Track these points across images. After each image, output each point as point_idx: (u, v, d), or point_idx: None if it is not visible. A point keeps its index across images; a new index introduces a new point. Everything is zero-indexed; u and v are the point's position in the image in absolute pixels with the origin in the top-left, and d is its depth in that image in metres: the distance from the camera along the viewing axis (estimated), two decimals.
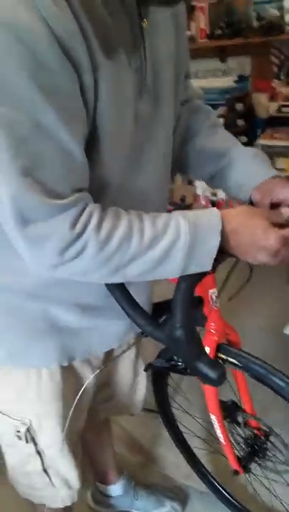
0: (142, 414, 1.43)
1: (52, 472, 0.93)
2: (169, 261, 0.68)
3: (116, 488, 1.39)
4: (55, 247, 0.62)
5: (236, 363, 0.97)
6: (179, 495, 1.47)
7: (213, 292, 0.94)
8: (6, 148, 0.56)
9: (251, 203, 0.84)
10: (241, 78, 3.03)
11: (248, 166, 0.85)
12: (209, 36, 2.81)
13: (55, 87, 0.56)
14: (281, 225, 0.73)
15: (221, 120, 3.01)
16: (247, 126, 2.94)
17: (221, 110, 3.09)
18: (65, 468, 0.94)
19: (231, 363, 0.99)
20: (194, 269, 0.71)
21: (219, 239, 0.69)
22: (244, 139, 2.96)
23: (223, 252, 0.72)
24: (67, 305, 0.81)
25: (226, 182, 0.89)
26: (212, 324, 0.97)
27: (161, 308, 0.95)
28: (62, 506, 1.00)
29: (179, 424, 1.41)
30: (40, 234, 0.61)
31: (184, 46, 0.85)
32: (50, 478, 0.93)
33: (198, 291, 0.95)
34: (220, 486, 1.39)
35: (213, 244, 0.69)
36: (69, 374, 0.89)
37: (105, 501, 1.42)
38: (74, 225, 0.61)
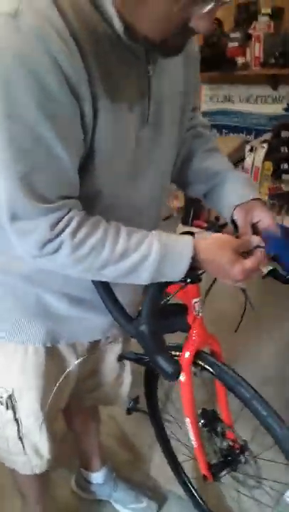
0: (139, 415, 1.52)
1: (26, 441, 1.03)
2: (138, 273, 0.78)
3: (97, 476, 1.48)
4: (36, 242, 0.73)
5: (211, 370, 1.05)
6: (158, 496, 1.53)
7: (196, 301, 1.02)
8: (8, 156, 0.67)
9: (233, 221, 0.92)
10: None
11: (232, 188, 0.93)
12: (262, 64, 2.88)
13: (57, 114, 0.66)
14: (249, 252, 0.83)
15: (265, 145, 3.06)
16: None
17: (267, 136, 3.14)
18: (39, 440, 1.04)
19: (207, 370, 1.06)
20: (165, 280, 0.82)
21: (188, 264, 0.79)
22: (286, 165, 2.99)
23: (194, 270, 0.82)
24: (58, 294, 0.92)
25: (214, 201, 0.98)
26: (194, 331, 1.05)
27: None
28: (31, 473, 1.10)
29: (166, 428, 1.48)
30: (24, 229, 0.73)
31: (193, 83, 0.94)
32: (23, 447, 1.04)
33: (183, 300, 1.04)
34: (196, 492, 1.44)
35: (182, 268, 0.79)
36: (53, 355, 0.99)
37: (86, 487, 1.51)
38: (54, 226, 0.72)
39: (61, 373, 1.01)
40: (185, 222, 3.37)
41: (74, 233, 0.73)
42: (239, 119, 3.44)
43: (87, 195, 0.78)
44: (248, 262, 0.80)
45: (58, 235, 0.73)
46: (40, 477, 1.17)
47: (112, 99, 0.72)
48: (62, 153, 0.69)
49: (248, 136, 3.42)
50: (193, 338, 1.05)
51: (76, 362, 1.02)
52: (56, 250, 0.74)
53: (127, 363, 1.20)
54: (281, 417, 0.92)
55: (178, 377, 0.82)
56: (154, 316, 0.82)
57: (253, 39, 2.86)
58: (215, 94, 3.47)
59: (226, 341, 2.21)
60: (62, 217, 0.73)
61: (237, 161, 3.33)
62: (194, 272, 0.86)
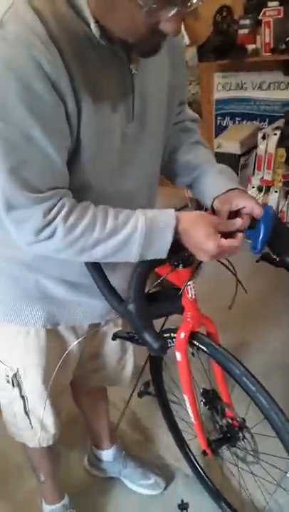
0: (150, 398, 1.59)
1: (32, 416, 1.12)
2: (127, 248, 0.84)
3: (107, 454, 1.56)
4: (32, 229, 0.79)
5: (205, 349, 1.10)
6: (166, 473, 1.60)
7: (189, 285, 1.06)
8: (0, 152, 0.73)
9: (213, 210, 0.96)
10: None
11: (212, 179, 0.98)
12: (273, 50, 2.86)
13: (43, 110, 0.72)
14: (231, 234, 0.86)
15: (278, 132, 3.05)
16: None
17: (280, 122, 3.12)
18: (44, 415, 1.12)
19: (201, 349, 1.11)
20: (151, 257, 0.86)
21: (172, 234, 0.83)
22: None
23: (182, 246, 0.86)
24: (56, 279, 0.98)
25: (197, 191, 1.02)
26: (188, 313, 1.10)
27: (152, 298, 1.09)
28: (38, 446, 1.19)
29: (172, 409, 1.54)
30: (20, 218, 0.79)
31: (181, 77, 0.99)
32: (30, 421, 1.12)
33: (177, 283, 1.09)
34: (201, 469, 1.50)
35: (167, 238, 0.84)
36: (54, 337, 1.06)
37: (98, 464, 1.59)
38: (47, 213, 0.78)
39: (62, 353, 1.08)
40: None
41: (66, 218, 0.80)
42: (252, 107, 3.42)
43: (77, 187, 0.84)
44: (224, 240, 0.84)
45: (51, 221, 0.79)
46: (48, 451, 1.25)
47: (95, 97, 0.77)
48: (50, 149, 0.75)
49: (262, 123, 3.41)
50: (188, 319, 1.10)
51: (76, 342, 1.08)
52: (51, 235, 0.80)
53: (130, 346, 1.26)
54: (269, 393, 0.97)
55: (163, 351, 0.87)
56: (141, 296, 0.87)
57: (263, 25, 2.84)
58: (227, 82, 3.47)
59: (235, 327, 2.26)
60: (55, 205, 0.79)
61: (251, 148, 3.33)
62: (181, 254, 0.90)
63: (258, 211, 0.91)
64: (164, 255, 0.85)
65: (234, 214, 0.92)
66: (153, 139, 0.94)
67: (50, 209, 0.79)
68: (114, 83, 0.81)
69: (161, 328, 1.22)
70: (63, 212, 0.79)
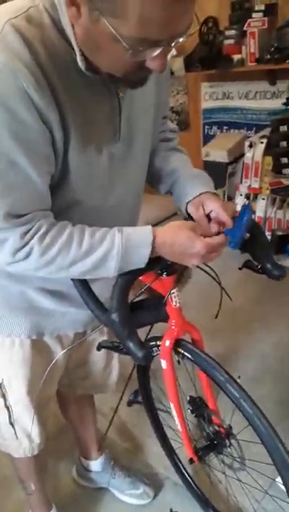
0: (139, 407, 1.59)
1: (17, 426, 1.11)
2: (105, 266, 0.85)
3: (96, 464, 1.55)
4: (9, 250, 0.80)
5: (190, 357, 1.10)
6: (155, 482, 1.59)
7: (173, 293, 1.07)
8: None
9: (189, 215, 0.97)
10: None
11: (185, 185, 0.99)
12: (258, 60, 2.91)
13: (29, 139, 0.72)
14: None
15: (264, 141, 3.09)
16: None
17: (266, 131, 3.17)
18: (29, 425, 1.12)
19: (186, 356, 1.12)
20: (131, 268, 0.87)
21: (149, 249, 0.85)
22: (285, 160, 3.01)
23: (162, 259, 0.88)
24: (41, 290, 0.99)
25: (175, 199, 1.04)
26: (173, 321, 1.11)
27: (137, 306, 1.09)
28: (23, 456, 1.18)
29: (160, 417, 1.54)
30: None
31: (165, 96, 1.01)
32: (15, 431, 1.12)
33: (161, 291, 1.09)
34: (190, 477, 1.50)
35: (144, 253, 0.85)
36: (39, 347, 1.06)
37: (86, 475, 1.58)
38: (24, 235, 0.79)
39: (48, 362, 1.08)
40: (189, 219, 3.43)
41: (42, 238, 0.80)
42: (239, 115, 3.47)
43: (65, 205, 0.86)
44: (210, 238, 0.85)
45: (27, 243, 0.80)
46: (36, 462, 1.25)
47: (82, 122, 0.78)
48: (34, 175, 0.76)
49: (249, 132, 3.45)
50: (173, 327, 1.11)
51: (61, 353, 1.08)
52: (27, 256, 0.81)
53: (116, 354, 1.27)
54: (252, 399, 0.97)
55: (147, 360, 0.88)
56: (124, 305, 0.88)
57: (248, 36, 2.89)
58: (214, 92, 3.51)
59: (228, 335, 2.27)
60: (33, 226, 0.80)
61: (238, 156, 3.37)
62: (163, 263, 0.91)
63: (223, 217, 0.92)
64: (142, 265, 0.87)
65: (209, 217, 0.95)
66: (140, 155, 0.95)
67: (28, 230, 0.79)
68: (101, 107, 0.82)
69: (146, 336, 1.23)
70: (40, 233, 0.80)
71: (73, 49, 0.73)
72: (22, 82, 0.68)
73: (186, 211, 0.98)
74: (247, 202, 3.24)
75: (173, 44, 0.68)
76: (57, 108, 0.74)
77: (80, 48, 0.72)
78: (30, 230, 0.79)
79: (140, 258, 0.85)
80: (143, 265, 0.86)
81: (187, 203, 0.97)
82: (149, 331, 1.24)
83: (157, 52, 0.67)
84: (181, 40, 0.67)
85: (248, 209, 0.92)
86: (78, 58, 0.73)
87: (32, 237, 0.79)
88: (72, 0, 0.66)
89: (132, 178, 0.96)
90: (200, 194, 0.95)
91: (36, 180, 0.76)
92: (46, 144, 0.76)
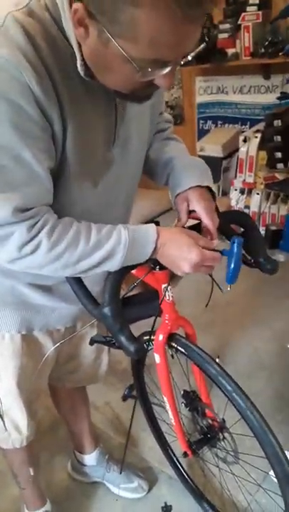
0: (133, 401, 1.59)
1: (6, 418, 1.12)
2: (111, 260, 0.84)
3: (90, 458, 1.55)
4: (14, 245, 0.78)
5: (183, 351, 1.10)
6: (150, 476, 1.60)
7: (165, 287, 1.07)
8: None
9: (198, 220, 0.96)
10: (284, 95, 3.08)
11: (177, 177, 0.98)
12: (252, 54, 2.90)
13: (32, 133, 0.72)
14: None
15: (258, 135, 3.09)
16: (283, 142, 2.98)
17: (260, 126, 3.16)
18: (18, 417, 1.12)
19: (179, 350, 1.12)
20: (132, 263, 0.88)
21: (153, 246, 0.85)
22: (279, 154, 3.02)
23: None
24: (32, 285, 0.98)
25: (169, 189, 1.02)
26: (166, 315, 1.11)
27: (130, 301, 1.09)
28: (11, 448, 1.19)
29: (154, 411, 1.54)
30: (1, 235, 0.77)
31: (160, 94, 1.00)
32: (4, 423, 1.12)
33: (154, 286, 1.09)
34: (184, 471, 1.51)
35: (147, 250, 0.86)
36: (30, 341, 1.06)
37: (81, 469, 1.58)
38: (30, 229, 0.77)
39: (38, 356, 1.08)
40: None
41: (50, 233, 0.79)
42: (234, 110, 3.47)
43: (61, 203, 0.84)
44: (206, 250, 0.85)
45: (34, 236, 0.78)
46: (29, 457, 1.25)
47: (80, 122, 0.78)
48: (39, 169, 0.75)
49: (243, 127, 3.45)
50: (166, 321, 1.11)
51: (52, 348, 1.09)
52: (34, 250, 0.79)
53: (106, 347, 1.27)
54: (245, 392, 0.97)
55: (139, 354, 0.88)
56: (116, 299, 0.88)
57: (243, 29, 2.88)
58: (209, 86, 3.50)
59: (221, 330, 2.28)
60: (39, 220, 0.78)
61: (233, 151, 3.37)
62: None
63: (208, 225, 0.92)
64: (143, 261, 0.88)
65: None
66: (135, 157, 0.95)
67: (34, 224, 0.78)
68: (98, 110, 0.81)
69: (152, 329, 1.20)
70: (47, 228, 0.79)
71: (72, 47, 0.72)
72: (25, 77, 0.67)
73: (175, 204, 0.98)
74: (246, 204, 3.24)
75: (182, 62, 0.69)
76: (58, 104, 0.73)
77: (83, 57, 0.72)
78: (37, 223, 0.78)
79: (144, 253, 0.86)
80: (143, 260, 0.87)
81: (176, 196, 0.96)
82: (153, 324, 1.22)
83: (167, 70, 0.68)
84: (190, 57, 0.68)
85: (238, 242, 0.90)
86: (78, 63, 0.72)
87: (39, 231, 0.78)
88: (80, 20, 0.66)
89: (126, 179, 0.95)
90: (189, 188, 0.94)
91: (41, 174, 0.76)
92: (48, 138, 0.75)
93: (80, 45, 0.71)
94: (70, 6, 0.67)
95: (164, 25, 0.60)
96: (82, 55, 0.72)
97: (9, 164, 0.72)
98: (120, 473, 1.52)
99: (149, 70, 0.66)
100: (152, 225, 0.87)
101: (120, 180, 0.93)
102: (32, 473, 1.32)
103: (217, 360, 0.99)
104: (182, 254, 0.85)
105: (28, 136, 0.72)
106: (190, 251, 0.84)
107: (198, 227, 0.96)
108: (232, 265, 0.90)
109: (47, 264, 0.82)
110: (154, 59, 0.65)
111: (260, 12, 2.82)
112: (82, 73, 0.73)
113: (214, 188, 1.00)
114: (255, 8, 2.84)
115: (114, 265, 0.86)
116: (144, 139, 0.97)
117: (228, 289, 0.93)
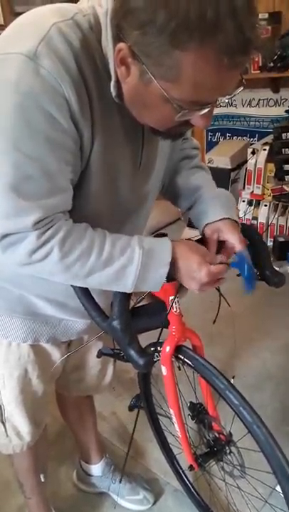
0: (140, 412, 1.59)
1: (8, 424, 1.13)
2: (122, 280, 0.83)
3: (96, 468, 1.55)
4: (25, 251, 0.77)
5: (190, 363, 1.11)
6: (155, 488, 1.59)
7: (173, 299, 1.08)
8: (10, 181, 0.70)
9: (204, 235, 0.97)
10: None
11: (205, 206, 0.98)
12: (261, 68, 2.93)
13: (62, 145, 0.72)
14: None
15: (267, 148, 3.10)
16: None
17: (268, 138, 3.18)
18: (19, 424, 1.13)
19: (186, 363, 1.12)
20: (146, 289, 0.86)
21: (167, 269, 0.83)
22: (288, 167, 3.03)
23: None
24: (40, 298, 0.99)
25: (193, 216, 1.03)
26: (173, 327, 1.12)
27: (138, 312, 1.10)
28: (11, 453, 1.20)
29: (161, 423, 1.54)
30: (11, 241, 0.76)
31: None
32: (5, 429, 1.13)
33: (161, 297, 1.10)
34: (190, 484, 1.50)
35: (161, 273, 0.84)
36: (37, 350, 1.07)
37: (87, 480, 1.58)
38: (41, 235, 0.76)
39: (45, 365, 1.09)
40: (191, 226, 3.45)
41: (63, 241, 0.77)
42: (242, 123, 3.49)
43: (82, 216, 0.83)
44: (213, 267, 0.85)
45: (46, 242, 0.77)
46: (35, 465, 1.25)
47: (107, 141, 0.78)
48: (63, 181, 0.75)
49: (252, 139, 3.47)
50: (173, 333, 1.12)
51: (60, 360, 1.10)
52: (45, 257, 0.78)
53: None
54: (252, 407, 0.98)
55: (148, 367, 0.88)
56: (126, 312, 0.88)
57: None
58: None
59: (228, 342, 2.27)
60: (50, 228, 0.77)
61: (241, 163, 3.38)
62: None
63: (238, 247, 0.93)
64: (157, 289, 0.86)
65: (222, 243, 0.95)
66: (155, 179, 0.96)
67: (46, 230, 0.77)
68: (127, 131, 0.82)
69: (157, 340, 1.21)
70: (59, 236, 0.77)
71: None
72: (64, 89, 0.67)
73: (202, 232, 0.98)
74: (254, 216, 3.25)
75: (220, 102, 0.70)
76: (90, 120, 0.74)
77: (117, 78, 0.72)
78: (48, 230, 0.76)
79: (157, 278, 0.84)
80: (159, 286, 0.85)
81: (205, 225, 0.96)
82: (159, 336, 1.23)
83: (205, 111, 0.69)
84: (226, 98, 0.69)
85: (243, 255, 0.92)
86: (112, 84, 0.72)
87: (50, 238, 0.77)
88: (122, 60, 0.67)
89: (145, 196, 0.96)
90: (220, 219, 0.95)
91: (65, 186, 0.76)
92: (76, 153, 0.76)
93: (116, 71, 0.71)
94: (115, 43, 0.68)
95: (210, 70, 0.61)
96: (116, 77, 0.72)
97: (36, 175, 0.72)
98: (120, 482, 1.52)
99: (188, 110, 0.67)
100: (167, 243, 0.85)
101: (141, 195, 0.94)
102: (43, 480, 1.32)
103: (232, 380, 1.00)
104: (191, 272, 0.85)
105: (59, 149, 0.72)
106: (200, 269, 0.84)
107: (200, 243, 0.98)
108: (245, 272, 0.91)
109: (57, 273, 0.81)
110: (195, 100, 0.66)
111: (269, 27, 2.85)
112: (113, 93, 0.74)
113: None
114: (264, 23, 2.87)
115: (126, 286, 0.83)
116: (164, 160, 0.98)
117: (249, 293, 0.95)
